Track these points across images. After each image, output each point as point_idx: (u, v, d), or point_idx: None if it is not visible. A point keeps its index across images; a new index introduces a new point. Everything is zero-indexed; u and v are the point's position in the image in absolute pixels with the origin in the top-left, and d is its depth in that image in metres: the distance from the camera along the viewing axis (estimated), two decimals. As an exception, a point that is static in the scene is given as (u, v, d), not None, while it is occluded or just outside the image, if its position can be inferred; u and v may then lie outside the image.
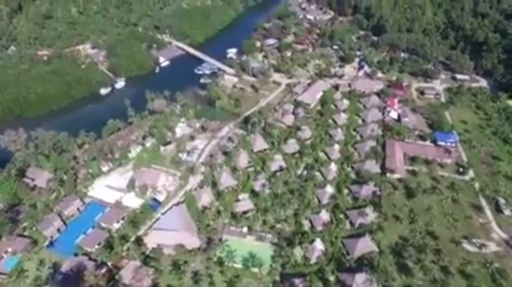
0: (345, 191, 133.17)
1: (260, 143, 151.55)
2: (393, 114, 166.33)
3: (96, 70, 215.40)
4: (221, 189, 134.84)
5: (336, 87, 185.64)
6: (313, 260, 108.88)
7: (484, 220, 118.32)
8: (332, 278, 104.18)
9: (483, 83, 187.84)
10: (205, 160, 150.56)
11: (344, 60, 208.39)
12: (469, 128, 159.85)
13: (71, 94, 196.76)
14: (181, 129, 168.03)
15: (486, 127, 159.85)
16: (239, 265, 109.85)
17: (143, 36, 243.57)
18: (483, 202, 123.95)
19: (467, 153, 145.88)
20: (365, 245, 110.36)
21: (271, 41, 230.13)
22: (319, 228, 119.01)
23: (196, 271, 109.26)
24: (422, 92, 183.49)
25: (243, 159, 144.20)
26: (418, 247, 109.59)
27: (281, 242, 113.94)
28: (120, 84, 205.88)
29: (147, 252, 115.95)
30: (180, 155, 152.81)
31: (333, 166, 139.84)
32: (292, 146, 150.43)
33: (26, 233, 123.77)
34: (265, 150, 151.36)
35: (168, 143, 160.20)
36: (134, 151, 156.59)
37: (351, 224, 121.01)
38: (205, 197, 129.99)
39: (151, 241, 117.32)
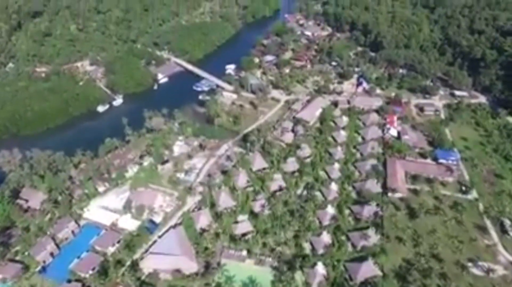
0: (346, 211, 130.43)
1: (259, 162, 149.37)
2: (393, 132, 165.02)
3: (94, 87, 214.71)
4: (220, 210, 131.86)
5: (335, 104, 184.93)
6: (314, 286, 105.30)
7: (489, 242, 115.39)
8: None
9: (482, 99, 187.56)
10: (203, 180, 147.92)
11: (343, 76, 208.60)
12: (469, 145, 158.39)
13: (69, 111, 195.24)
14: (179, 147, 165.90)
15: (487, 144, 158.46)
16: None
17: (141, 52, 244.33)
18: (488, 223, 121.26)
19: (469, 171, 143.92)
20: (368, 269, 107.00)
21: (269, 57, 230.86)
22: (321, 251, 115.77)
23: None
24: (421, 109, 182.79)
25: (242, 179, 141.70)
26: (423, 271, 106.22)
27: (282, 266, 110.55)
28: (118, 101, 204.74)
29: (143, 278, 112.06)
30: (178, 174, 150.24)
31: (334, 186, 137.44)
32: (291, 164, 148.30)
33: (17, 258, 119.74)
34: (264, 169, 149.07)
35: (166, 161, 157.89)
36: (131, 171, 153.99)
37: (353, 246, 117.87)
38: (203, 219, 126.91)
39: (147, 265, 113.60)
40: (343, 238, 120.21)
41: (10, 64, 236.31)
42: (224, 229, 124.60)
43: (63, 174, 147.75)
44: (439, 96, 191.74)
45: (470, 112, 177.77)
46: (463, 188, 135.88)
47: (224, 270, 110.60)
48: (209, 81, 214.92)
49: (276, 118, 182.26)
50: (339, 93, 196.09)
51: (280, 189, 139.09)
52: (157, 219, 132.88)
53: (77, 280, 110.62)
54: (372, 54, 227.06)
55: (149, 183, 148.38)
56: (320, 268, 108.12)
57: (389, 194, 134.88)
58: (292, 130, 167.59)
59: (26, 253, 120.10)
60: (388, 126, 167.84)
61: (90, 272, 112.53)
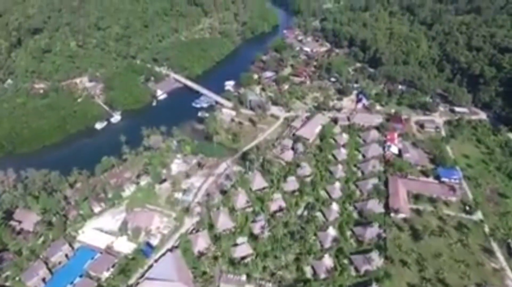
0: (348, 233, 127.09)
1: (259, 181, 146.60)
2: (394, 149, 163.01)
3: (93, 103, 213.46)
4: (218, 232, 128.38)
5: (335, 121, 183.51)
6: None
7: (497, 266, 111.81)
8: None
9: (483, 115, 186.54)
10: (202, 200, 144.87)
11: (342, 92, 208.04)
12: (472, 163, 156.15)
13: (66, 129, 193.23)
14: (177, 165, 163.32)
15: (489, 162, 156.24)
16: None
17: (141, 68, 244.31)
18: (495, 246, 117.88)
19: (472, 190, 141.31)
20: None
21: (268, 73, 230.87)
22: (322, 275, 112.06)
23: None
24: (421, 125, 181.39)
25: (241, 199, 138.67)
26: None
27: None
28: (116, 118, 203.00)
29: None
30: (176, 194, 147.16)
31: (335, 206, 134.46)
32: (291, 184, 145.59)
33: (8, 284, 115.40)
34: (264, 188, 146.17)
35: (164, 181, 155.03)
36: (128, 190, 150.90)
37: (356, 270, 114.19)
38: (201, 242, 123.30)
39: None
40: (346, 261, 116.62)
41: (9, 81, 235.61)
42: (223, 252, 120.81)
43: (58, 194, 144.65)
44: (439, 113, 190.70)
45: (470, 129, 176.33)
46: (467, 208, 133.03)
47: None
48: (208, 97, 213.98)
49: (276, 135, 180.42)
50: (339, 110, 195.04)
51: (280, 209, 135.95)
52: (154, 241, 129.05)
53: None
54: (371, 70, 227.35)
55: (146, 204, 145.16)
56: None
57: (392, 214, 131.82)
58: (292, 148, 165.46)
59: (17, 279, 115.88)
60: (388, 143, 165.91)
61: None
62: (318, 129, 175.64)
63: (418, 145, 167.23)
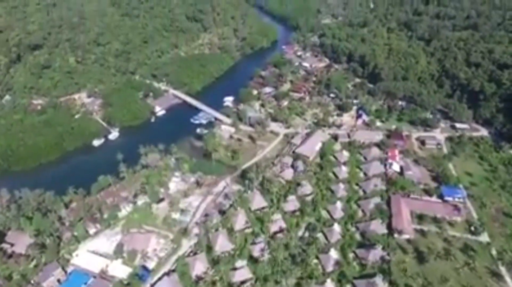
0: (351, 255, 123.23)
1: (258, 201, 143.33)
2: (395, 167, 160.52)
3: (90, 120, 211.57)
4: (217, 254, 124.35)
5: (335, 138, 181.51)
6: None
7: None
8: None
9: (484, 132, 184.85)
10: (200, 220, 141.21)
11: (342, 108, 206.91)
12: (475, 181, 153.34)
13: (63, 146, 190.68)
14: (175, 184, 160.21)
15: (493, 180, 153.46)
16: None
17: (139, 84, 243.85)
18: (503, 269, 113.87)
19: (477, 210, 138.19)
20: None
21: (268, 89, 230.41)
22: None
23: None
24: (423, 142, 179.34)
25: (240, 220, 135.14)
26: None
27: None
28: (113, 134, 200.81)
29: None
30: (173, 214, 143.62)
31: (337, 227, 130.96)
32: (292, 203, 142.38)
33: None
34: (263, 208, 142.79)
35: (161, 200, 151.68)
36: (125, 210, 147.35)
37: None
38: (199, 265, 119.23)
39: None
40: (349, 286, 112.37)
41: (7, 97, 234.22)
42: (222, 277, 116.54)
43: (53, 214, 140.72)
44: (440, 129, 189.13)
45: (472, 146, 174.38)
46: (473, 228, 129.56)
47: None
48: (207, 113, 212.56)
49: (275, 152, 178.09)
50: (339, 126, 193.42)
51: (281, 230, 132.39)
52: (150, 264, 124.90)
53: None
54: (371, 85, 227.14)
55: (143, 224, 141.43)
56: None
57: (395, 235, 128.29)
58: (292, 166, 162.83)
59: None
60: (390, 160, 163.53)
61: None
62: (318, 146, 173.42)
63: (420, 162, 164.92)
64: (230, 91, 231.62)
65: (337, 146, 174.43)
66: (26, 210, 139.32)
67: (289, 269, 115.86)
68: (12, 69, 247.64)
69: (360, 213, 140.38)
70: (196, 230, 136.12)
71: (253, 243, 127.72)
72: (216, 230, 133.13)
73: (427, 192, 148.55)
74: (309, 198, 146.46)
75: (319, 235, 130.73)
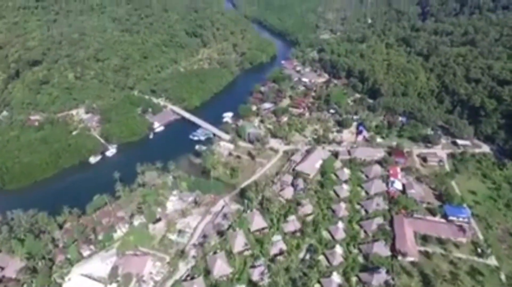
0: (354, 279, 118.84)
1: (258, 221, 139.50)
2: (398, 185, 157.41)
3: (88, 136, 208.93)
4: (215, 278, 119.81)
5: (336, 155, 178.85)
6: None
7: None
8: None
9: (486, 148, 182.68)
10: (198, 241, 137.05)
11: (342, 124, 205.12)
12: (479, 200, 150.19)
13: (59, 163, 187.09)
14: (172, 203, 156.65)
15: (497, 198, 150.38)
16: None
17: (138, 100, 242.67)
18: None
19: (482, 230, 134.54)
20: None
21: (267, 105, 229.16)
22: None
23: None
24: (424, 159, 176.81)
25: (239, 241, 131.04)
26: None
27: None
28: (111, 151, 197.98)
29: None
30: (170, 235, 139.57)
31: (339, 249, 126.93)
32: (292, 223, 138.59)
33: None
34: (263, 229, 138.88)
35: (158, 220, 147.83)
36: (120, 231, 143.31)
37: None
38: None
39: None
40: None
41: (4, 112, 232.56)
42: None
43: (46, 236, 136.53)
44: (441, 145, 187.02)
45: (475, 163, 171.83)
46: (479, 250, 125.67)
47: None
48: (205, 130, 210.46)
49: (275, 170, 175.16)
50: (339, 143, 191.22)
51: (281, 252, 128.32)
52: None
53: None
54: (370, 101, 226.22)
55: (139, 246, 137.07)
56: None
57: (399, 257, 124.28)
58: (292, 184, 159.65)
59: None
60: (392, 178, 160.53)
61: None
62: (318, 163, 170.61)
63: (422, 180, 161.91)
64: (229, 107, 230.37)
65: (337, 164, 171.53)
66: (18, 232, 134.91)
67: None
68: (10, 85, 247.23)
69: (362, 234, 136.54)
70: (193, 252, 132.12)
71: (253, 267, 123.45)
72: (215, 252, 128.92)
73: (431, 211, 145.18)
74: (309, 218, 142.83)
75: (321, 257, 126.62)
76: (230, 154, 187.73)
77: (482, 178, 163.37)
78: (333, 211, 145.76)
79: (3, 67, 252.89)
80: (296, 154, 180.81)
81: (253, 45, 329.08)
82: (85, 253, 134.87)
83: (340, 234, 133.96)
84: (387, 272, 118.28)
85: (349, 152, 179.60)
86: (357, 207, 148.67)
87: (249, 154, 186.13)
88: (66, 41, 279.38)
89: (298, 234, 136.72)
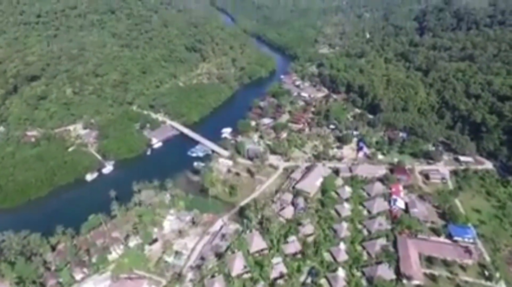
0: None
1: (257, 242, 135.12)
2: (400, 203, 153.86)
3: (85, 153, 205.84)
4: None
5: (336, 172, 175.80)
6: None
7: None
8: None
9: (489, 165, 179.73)
10: (195, 263, 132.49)
11: (342, 140, 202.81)
12: (484, 219, 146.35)
13: (54, 181, 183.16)
14: (169, 223, 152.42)
15: (503, 217, 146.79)
16: None
17: (137, 115, 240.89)
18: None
19: (489, 251, 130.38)
20: None
21: (266, 120, 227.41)
22: None
23: None
24: (426, 176, 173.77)
25: (238, 264, 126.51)
26: None
27: None
28: (108, 168, 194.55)
29: None
30: (167, 257, 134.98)
31: (341, 272, 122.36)
32: (293, 245, 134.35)
33: None
34: (263, 250, 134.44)
35: (155, 241, 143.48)
36: (115, 253, 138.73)
37: None
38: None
39: None
40: None
41: (1, 128, 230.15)
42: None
43: (38, 258, 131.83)
44: (443, 162, 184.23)
45: (478, 180, 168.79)
46: (486, 273, 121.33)
47: None
48: (204, 146, 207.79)
49: (275, 187, 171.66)
50: (340, 159, 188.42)
51: (281, 276, 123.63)
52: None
53: None
54: (370, 116, 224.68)
55: (134, 269, 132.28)
56: None
57: (404, 281, 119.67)
58: (292, 203, 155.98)
59: None
60: (394, 196, 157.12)
61: None
62: (319, 181, 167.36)
63: (425, 198, 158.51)
64: (228, 122, 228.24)
65: (338, 181, 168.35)
66: (8, 255, 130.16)
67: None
68: (8, 101, 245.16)
69: (365, 256, 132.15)
70: (191, 276, 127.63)
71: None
72: (213, 276, 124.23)
73: (435, 231, 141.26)
74: (310, 239, 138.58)
75: (323, 281, 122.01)
76: (229, 171, 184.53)
77: (486, 195, 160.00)
78: (335, 231, 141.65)
79: (1, 83, 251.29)
80: (296, 171, 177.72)
81: (252, 60, 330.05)
82: (78, 276, 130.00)
83: (342, 256, 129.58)
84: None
85: (350, 169, 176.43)
86: (359, 226, 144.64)
87: (248, 171, 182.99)
88: (65, 56, 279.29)
89: (299, 256, 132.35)
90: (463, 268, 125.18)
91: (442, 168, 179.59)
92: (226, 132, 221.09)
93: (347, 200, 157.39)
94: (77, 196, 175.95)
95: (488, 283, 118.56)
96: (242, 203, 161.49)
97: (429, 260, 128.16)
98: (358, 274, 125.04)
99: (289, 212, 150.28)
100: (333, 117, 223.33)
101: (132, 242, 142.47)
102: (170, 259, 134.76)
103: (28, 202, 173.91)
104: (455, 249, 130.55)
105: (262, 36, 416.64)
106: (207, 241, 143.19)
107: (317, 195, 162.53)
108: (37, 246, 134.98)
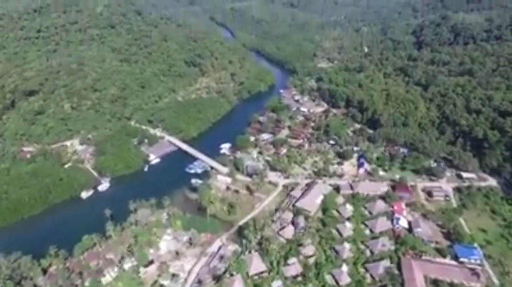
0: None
1: (257, 265, 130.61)
2: (403, 222, 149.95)
3: (81, 169, 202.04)
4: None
5: (337, 189, 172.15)
6: None
7: None
8: None
9: (492, 182, 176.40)
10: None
11: (342, 156, 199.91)
12: (490, 239, 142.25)
13: (49, 199, 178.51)
14: (166, 243, 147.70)
15: (509, 237, 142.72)
16: None
17: (134, 131, 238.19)
18: None
19: (497, 273, 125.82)
20: None
21: (265, 136, 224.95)
22: None
23: None
24: (429, 193, 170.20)
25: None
26: None
27: None
28: (104, 185, 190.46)
29: None
30: (163, 280, 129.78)
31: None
32: (293, 267, 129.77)
33: None
34: (262, 272, 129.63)
35: (150, 262, 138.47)
36: (109, 275, 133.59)
37: None
38: None
39: None
40: None
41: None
42: None
43: (28, 282, 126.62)
44: (446, 179, 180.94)
45: (482, 197, 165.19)
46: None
47: None
48: (203, 162, 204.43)
49: (274, 205, 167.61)
50: (340, 176, 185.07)
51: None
52: None
53: None
54: (370, 131, 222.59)
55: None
56: None
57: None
58: (292, 222, 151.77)
59: None
60: (397, 215, 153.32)
61: None
62: (319, 199, 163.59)
63: (429, 217, 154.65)
64: (227, 137, 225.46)
65: (339, 199, 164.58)
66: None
67: None
68: (5, 116, 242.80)
69: (368, 278, 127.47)
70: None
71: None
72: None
73: (440, 252, 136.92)
74: (311, 260, 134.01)
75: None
76: (227, 188, 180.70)
77: (491, 214, 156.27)
78: (337, 252, 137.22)
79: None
80: (296, 188, 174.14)
81: (252, 74, 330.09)
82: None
83: (345, 279, 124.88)
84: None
85: (351, 186, 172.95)
86: (362, 247, 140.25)
87: (248, 188, 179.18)
88: (64, 71, 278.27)
89: (299, 278, 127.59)
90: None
91: (445, 185, 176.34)
92: (225, 147, 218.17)
93: (348, 219, 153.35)
94: (72, 214, 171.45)
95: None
96: (241, 222, 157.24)
97: (435, 283, 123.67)
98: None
99: (289, 231, 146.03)
100: (333, 132, 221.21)
101: (127, 264, 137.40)
102: (166, 282, 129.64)
103: (21, 221, 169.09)
104: (462, 272, 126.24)
105: (261, 51, 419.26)
106: (204, 263, 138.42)
107: (317, 214, 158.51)
108: (28, 270, 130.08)
